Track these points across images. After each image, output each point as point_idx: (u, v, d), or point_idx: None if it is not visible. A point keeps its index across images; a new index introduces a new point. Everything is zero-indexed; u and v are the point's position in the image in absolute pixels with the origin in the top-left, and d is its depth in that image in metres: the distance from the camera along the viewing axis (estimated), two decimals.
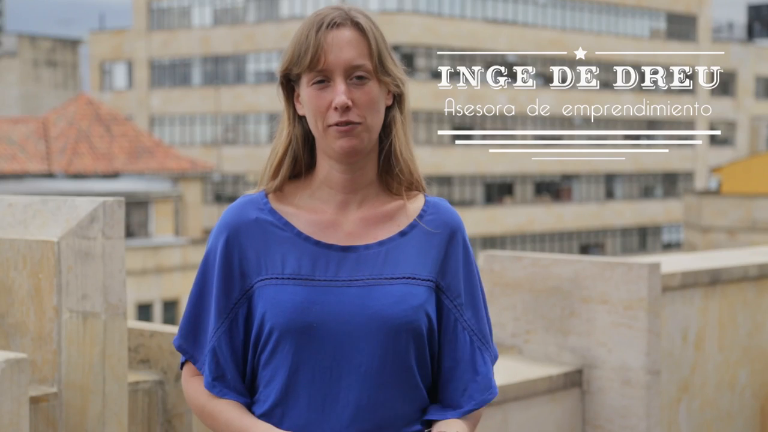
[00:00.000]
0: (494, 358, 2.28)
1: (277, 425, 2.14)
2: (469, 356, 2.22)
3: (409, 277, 2.16)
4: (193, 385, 2.24)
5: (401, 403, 2.16)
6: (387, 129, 2.21)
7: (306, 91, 2.15)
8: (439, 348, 2.21)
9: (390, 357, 2.13)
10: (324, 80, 2.13)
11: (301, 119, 2.22)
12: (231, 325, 2.18)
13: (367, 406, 2.12)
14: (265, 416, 2.17)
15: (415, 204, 2.23)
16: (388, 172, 2.22)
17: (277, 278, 2.15)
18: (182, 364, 2.29)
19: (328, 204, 2.20)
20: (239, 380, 2.20)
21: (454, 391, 2.22)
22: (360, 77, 2.13)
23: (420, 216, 2.21)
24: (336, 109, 2.11)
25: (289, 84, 2.21)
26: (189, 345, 2.24)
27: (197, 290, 2.23)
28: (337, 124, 2.12)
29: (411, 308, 2.13)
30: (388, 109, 2.21)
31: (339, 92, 2.11)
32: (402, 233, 2.19)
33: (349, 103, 2.11)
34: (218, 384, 2.19)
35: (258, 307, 2.16)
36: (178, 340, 2.25)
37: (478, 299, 2.23)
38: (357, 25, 2.15)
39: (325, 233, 2.18)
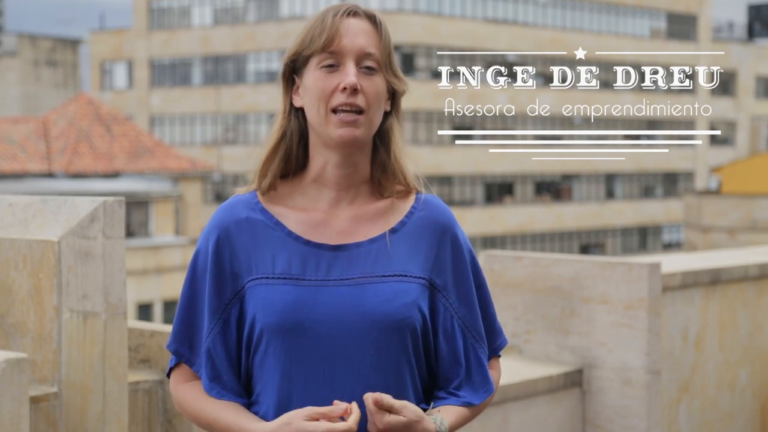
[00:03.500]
0: (501, 347, 2.28)
1: None
2: (464, 355, 2.21)
3: (400, 275, 2.15)
4: (184, 392, 2.22)
5: None
6: (382, 135, 2.21)
7: (312, 74, 2.15)
8: (435, 346, 2.20)
9: (383, 356, 2.11)
10: (334, 64, 2.14)
11: (297, 114, 2.21)
12: (224, 326, 2.17)
13: (361, 406, 2.09)
14: (261, 417, 2.15)
15: (406, 201, 2.23)
16: (382, 176, 2.22)
17: (267, 278, 2.14)
18: (170, 370, 2.26)
19: (320, 202, 2.20)
20: (236, 381, 2.18)
21: (452, 390, 2.21)
22: (369, 67, 2.15)
23: (410, 213, 2.21)
24: (344, 89, 2.11)
25: (290, 76, 2.21)
26: (185, 348, 2.21)
27: (188, 292, 2.21)
28: (341, 108, 2.11)
29: (403, 305, 2.12)
30: (386, 115, 2.21)
31: (350, 74, 2.12)
32: (393, 230, 2.19)
33: (358, 86, 2.12)
34: (215, 385, 2.17)
35: (249, 307, 2.15)
36: (173, 344, 2.22)
37: (471, 295, 2.22)
38: (371, 18, 2.18)
39: (316, 232, 2.17)
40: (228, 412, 2.15)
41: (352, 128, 2.12)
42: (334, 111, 2.13)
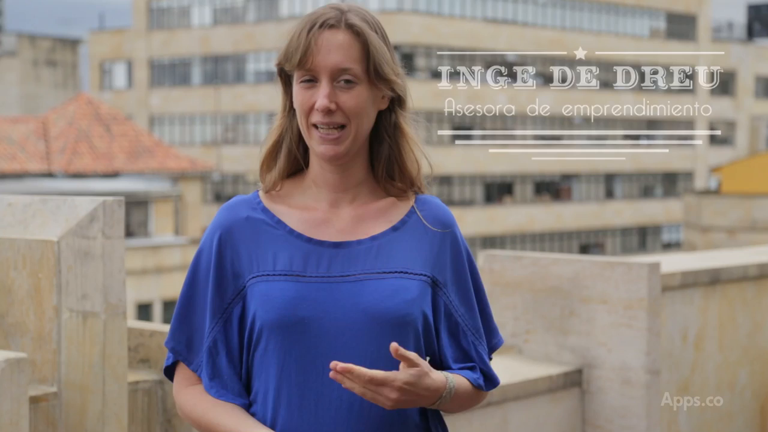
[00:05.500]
0: (497, 346, 2.30)
1: (271, 425, 2.13)
2: (465, 351, 2.23)
3: (401, 272, 2.16)
4: (185, 397, 2.21)
5: None
6: (389, 131, 2.21)
7: (295, 87, 2.16)
8: (438, 344, 2.21)
9: (384, 353, 2.11)
10: (312, 79, 2.13)
11: (296, 114, 2.21)
12: (225, 325, 2.18)
13: (361, 404, 2.11)
14: (259, 416, 2.16)
15: (407, 201, 2.24)
16: (389, 175, 2.22)
17: (267, 275, 2.14)
18: (167, 369, 2.25)
19: (320, 202, 2.21)
20: (236, 380, 2.19)
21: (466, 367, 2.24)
22: (348, 81, 2.13)
23: (411, 212, 2.22)
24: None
25: (288, 77, 2.21)
26: (181, 346, 2.22)
27: (189, 291, 2.22)
28: (318, 126, 2.12)
29: (404, 302, 2.13)
30: (388, 112, 2.21)
31: (322, 95, 2.11)
32: (394, 228, 2.20)
33: (332, 106, 2.11)
34: (215, 384, 2.18)
35: (251, 305, 2.16)
36: (170, 342, 2.23)
37: (469, 294, 2.24)
38: (351, 28, 2.14)
39: (317, 230, 2.18)
40: (228, 418, 2.14)
41: (333, 145, 2.13)
42: (315, 126, 2.13)
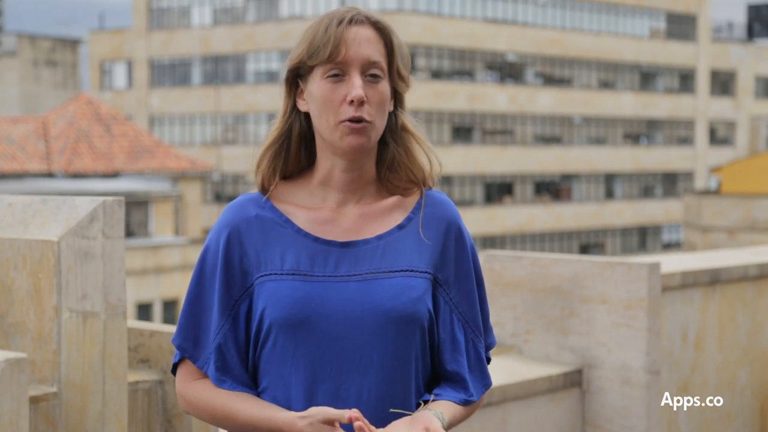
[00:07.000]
0: (490, 346, 2.32)
1: None
2: (464, 349, 2.25)
3: (407, 270, 2.18)
4: (195, 389, 2.23)
5: (402, 396, 2.17)
6: (395, 132, 2.24)
7: (318, 84, 2.16)
8: (438, 340, 2.23)
9: (390, 350, 2.14)
10: (339, 74, 2.15)
11: (299, 117, 2.23)
12: (233, 323, 2.20)
13: (368, 400, 2.14)
14: None
15: (412, 198, 2.26)
16: (391, 174, 2.24)
17: (276, 274, 2.16)
18: (174, 367, 2.27)
19: (327, 202, 2.23)
20: (245, 374, 2.21)
21: (452, 383, 2.25)
22: (374, 75, 2.16)
23: (416, 209, 2.24)
24: (351, 102, 2.13)
25: (293, 80, 2.22)
26: (188, 343, 2.24)
27: (196, 289, 2.24)
28: (350, 120, 2.14)
29: (410, 300, 2.15)
30: (393, 113, 2.24)
31: (356, 86, 2.13)
32: (400, 227, 2.22)
33: (365, 98, 2.14)
34: (227, 378, 2.20)
35: (258, 302, 2.18)
36: (177, 339, 2.25)
37: (472, 290, 2.26)
38: (376, 25, 2.19)
39: (324, 229, 2.20)
40: (250, 403, 2.17)
41: (360, 136, 2.15)
42: (342, 121, 2.15)
